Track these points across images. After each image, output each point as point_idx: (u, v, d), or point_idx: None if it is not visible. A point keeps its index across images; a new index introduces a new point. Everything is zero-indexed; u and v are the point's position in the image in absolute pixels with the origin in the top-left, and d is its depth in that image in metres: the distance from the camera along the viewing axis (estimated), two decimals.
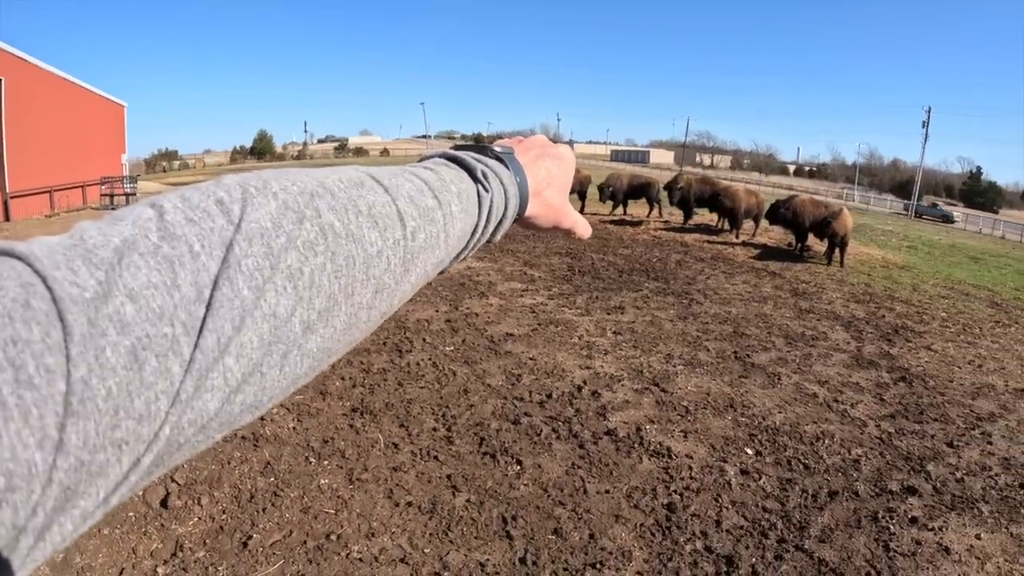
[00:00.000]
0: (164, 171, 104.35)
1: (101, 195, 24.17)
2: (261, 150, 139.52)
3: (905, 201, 66.45)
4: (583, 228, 0.91)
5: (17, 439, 0.31)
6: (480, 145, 0.79)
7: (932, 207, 59.30)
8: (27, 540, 0.33)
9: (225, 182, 0.49)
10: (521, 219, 0.81)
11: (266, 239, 0.45)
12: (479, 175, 0.70)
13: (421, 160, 0.73)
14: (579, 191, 23.73)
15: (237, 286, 0.42)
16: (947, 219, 54.16)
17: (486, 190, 0.70)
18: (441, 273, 0.70)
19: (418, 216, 0.59)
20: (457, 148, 0.77)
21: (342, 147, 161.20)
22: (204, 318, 0.40)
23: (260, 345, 0.43)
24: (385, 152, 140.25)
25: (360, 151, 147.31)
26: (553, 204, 0.84)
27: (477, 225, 0.69)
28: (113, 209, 13.88)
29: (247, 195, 0.47)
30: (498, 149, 0.79)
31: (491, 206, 0.70)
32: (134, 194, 24.15)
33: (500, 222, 0.74)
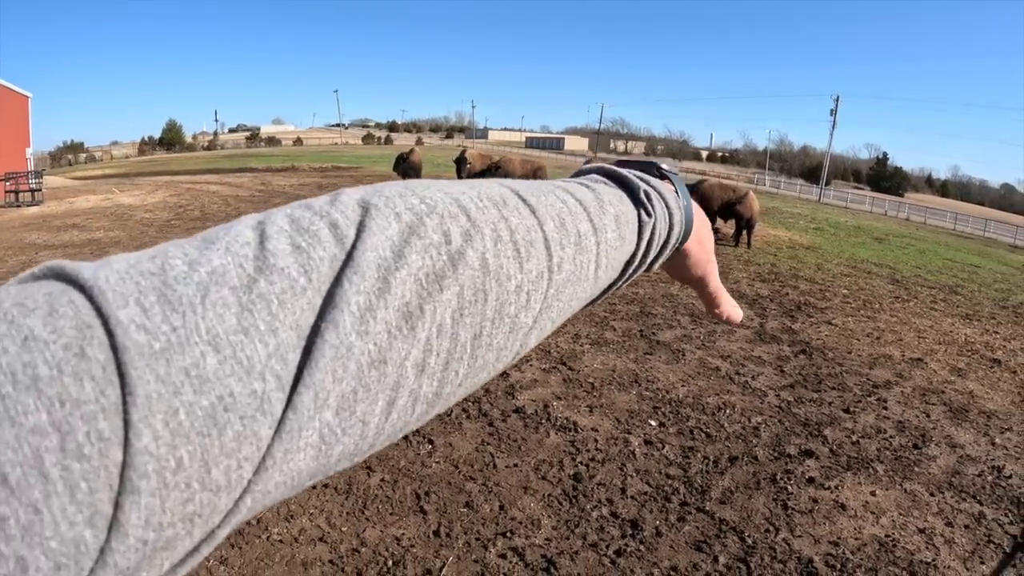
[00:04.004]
0: (70, 164, 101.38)
1: (6, 192, 23.35)
2: (170, 140, 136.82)
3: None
4: (733, 306, 0.80)
5: (61, 515, 0.26)
6: (645, 161, 0.72)
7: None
8: None
9: (343, 200, 0.42)
10: (680, 251, 0.72)
11: (383, 271, 0.39)
12: (642, 196, 0.62)
13: (576, 175, 0.67)
14: None
15: (342, 330, 0.36)
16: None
17: (648, 215, 0.62)
18: (589, 305, 0.63)
19: (568, 243, 0.52)
20: (619, 164, 0.69)
21: (254, 136, 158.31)
22: (300, 369, 0.34)
23: (365, 396, 0.37)
24: (299, 141, 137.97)
25: (272, 140, 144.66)
26: (707, 247, 0.74)
27: (635, 254, 0.62)
28: (18, 206, 13.36)
29: (366, 216, 0.41)
30: (665, 167, 0.72)
31: (653, 233, 0.63)
32: (39, 189, 23.36)
33: (661, 250, 0.66)
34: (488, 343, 0.45)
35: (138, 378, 0.29)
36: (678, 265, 0.74)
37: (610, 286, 0.63)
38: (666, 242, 0.66)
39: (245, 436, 0.32)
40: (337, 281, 0.37)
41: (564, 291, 0.52)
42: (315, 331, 0.35)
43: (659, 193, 0.64)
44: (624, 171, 0.65)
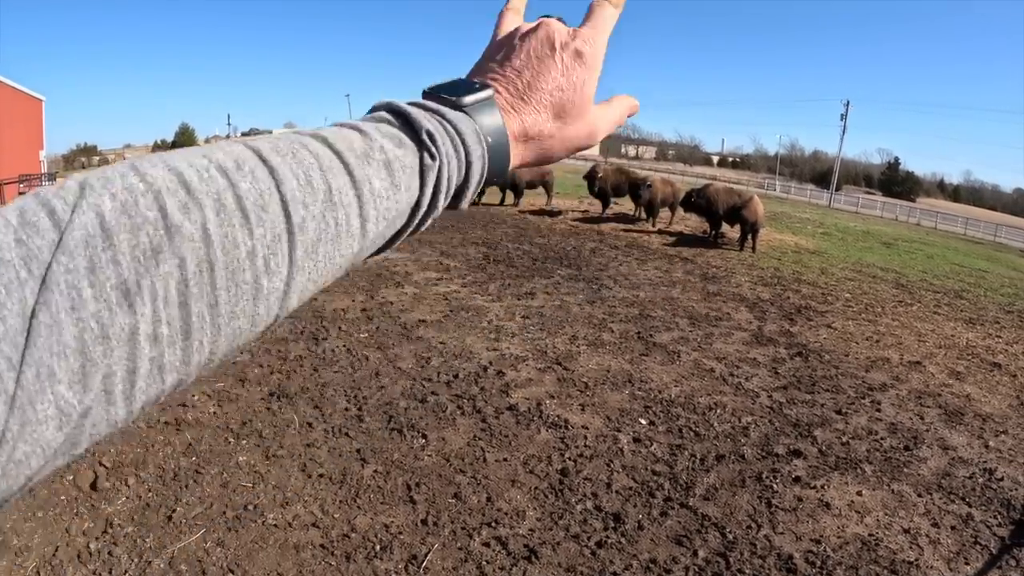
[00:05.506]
0: (83, 167, 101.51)
1: (19, 193, 23.49)
2: (183, 144, 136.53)
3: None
4: (627, 106, 0.80)
5: None
6: (452, 83, 0.69)
7: None
8: None
9: (67, 184, 0.43)
10: (522, 167, 0.72)
11: (91, 250, 0.40)
12: (424, 137, 0.58)
13: (370, 111, 0.64)
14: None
15: (54, 309, 0.37)
16: None
17: (432, 157, 0.58)
18: (375, 255, 0.62)
19: (313, 201, 0.50)
20: (428, 90, 0.68)
21: None
22: (24, 350, 0.36)
23: (95, 369, 0.39)
24: None
25: None
26: (567, 136, 0.72)
27: (420, 200, 0.59)
28: None
29: (81, 196, 0.41)
30: (469, 99, 0.66)
31: (438, 176, 0.60)
32: None
33: (461, 191, 0.64)
34: (231, 311, 0.46)
35: None
36: (536, 166, 0.75)
37: (396, 234, 0.61)
38: (466, 181, 0.64)
39: None
40: (49, 264, 0.38)
41: (318, 250, 0.51)
42: (33, 314, 0.37)
43: (454, 130, 0.62)
44: (410, 108, 0.61)
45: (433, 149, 0.58)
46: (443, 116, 0.62)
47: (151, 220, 0.42)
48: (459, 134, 0.61)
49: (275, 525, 4.48)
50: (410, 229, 0.62)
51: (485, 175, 0.66)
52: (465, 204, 0.66)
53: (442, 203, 0.62)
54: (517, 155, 0.69)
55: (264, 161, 0.49)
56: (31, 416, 0.36)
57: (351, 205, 0.53)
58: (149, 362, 0.41)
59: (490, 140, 0.65)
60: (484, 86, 0.68)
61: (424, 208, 0.60)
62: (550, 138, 0.71)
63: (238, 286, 0.46)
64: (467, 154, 0.62)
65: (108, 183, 0.43)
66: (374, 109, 0.63)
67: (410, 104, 0.62)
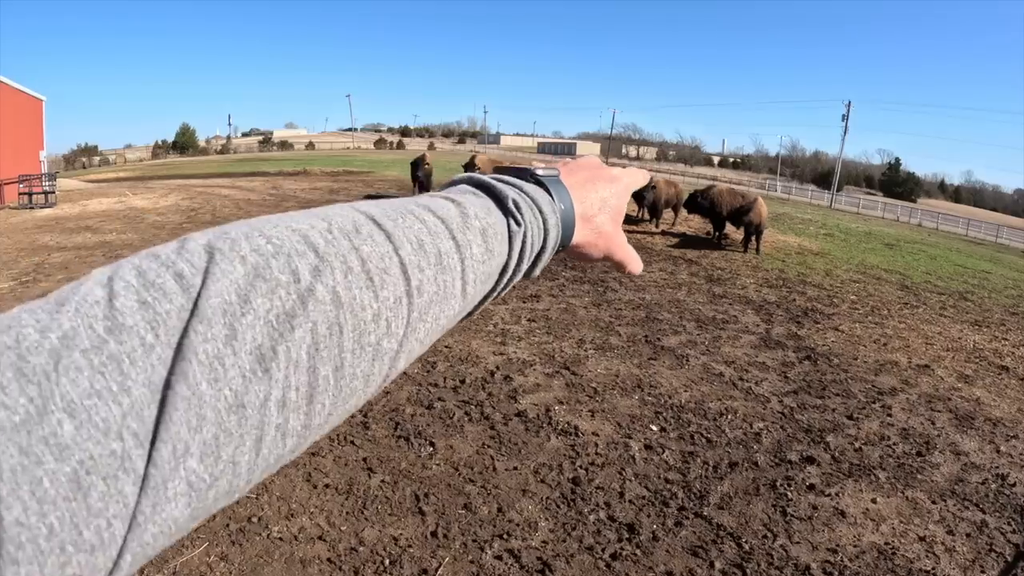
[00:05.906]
0: (84, 167, 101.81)
1: (19, 194, 23.44)
2: (184, 144, 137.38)
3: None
4: (636, 263, 0.83)
5: None
6: (519, 168, 0.72)
7: None
8: None
9: (189, 247, 0.42)
10: (568, 248, 0.74)
11: (229, 317, 0.39)
12: (510, 206, 0.62)
13: (447, 185, 0.67)
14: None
15: (193, 381, 0.36)
16: None
17: (518, 224, 0.62)
18: (467, 317, 0.63)
19: (427, 265, 0.52)
20: (496, 171, 0.71)
21: (267, 140, 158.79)
22: (157, 425, 0.35)
23: (228, 440, 0.38)
24: (311, 145, 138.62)
25: (285, 144, 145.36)
26: (605, 232, 0.76)
27: (507, 264, 0.62)
28: (32, 208, 13.35)
29: (211, 262, 0.41)
30: (540, 172, 0.71)
31: (524, 241, 0.63)
32: (53, 192, 23.41)
33: (538, 256, 0.67)
34: (352, 372, 0.45)
35: (1, 452, 0.29)
36: (578, 255, 0.77)
37: (486, 296, 0.63)
38: (543, 248, 0.66)
39: (110, 495, 0.32)
40: (185, 332, 0.37)
41: (429, 312, 0.52)
42: (167, 385, 0.35)
43: (532, 200, 0.65)
44: (493, 180, 0.65)
45: (518, 216, 0.62)
46: (521, 188, 0.66)
47: (284, 283, 0.42)
48: (536, 203, 0.66)
49: (280, 538, 4.37)
50: (496, 291, 0.64)
51: (557, 244, 0.69)
52: (539, 271, 0.70)
53: (525, 266, 0.65)
54: (578, 232, 0.73)
55: (379, 225, 0.51)
56: (162, 495, 0.35)
57: (455, 269, 0.55)
58: (275, 429, 0.41)
59: (563, 207, 0.70)
60: (550, 169, 0.74)
61: (510, 272, 0.63)
62: (601, 225, 0.76)
63: (363, 348, 0.46)
64: (544, 221, 0.66)
65: (235, 245, 0.43)
66: (454, 183, 0.67)
67: (491, 178, 0.66)
